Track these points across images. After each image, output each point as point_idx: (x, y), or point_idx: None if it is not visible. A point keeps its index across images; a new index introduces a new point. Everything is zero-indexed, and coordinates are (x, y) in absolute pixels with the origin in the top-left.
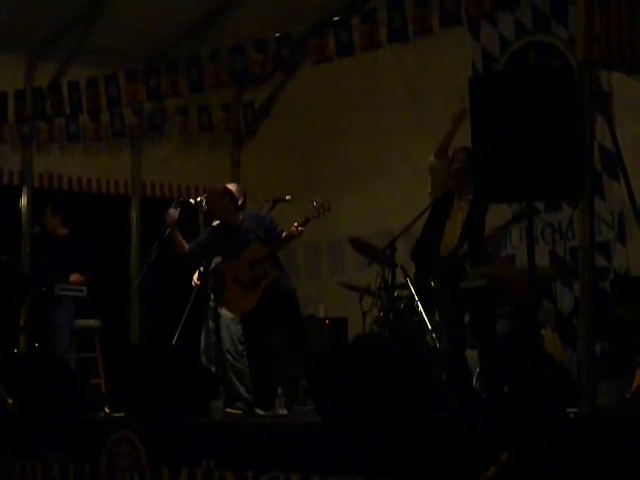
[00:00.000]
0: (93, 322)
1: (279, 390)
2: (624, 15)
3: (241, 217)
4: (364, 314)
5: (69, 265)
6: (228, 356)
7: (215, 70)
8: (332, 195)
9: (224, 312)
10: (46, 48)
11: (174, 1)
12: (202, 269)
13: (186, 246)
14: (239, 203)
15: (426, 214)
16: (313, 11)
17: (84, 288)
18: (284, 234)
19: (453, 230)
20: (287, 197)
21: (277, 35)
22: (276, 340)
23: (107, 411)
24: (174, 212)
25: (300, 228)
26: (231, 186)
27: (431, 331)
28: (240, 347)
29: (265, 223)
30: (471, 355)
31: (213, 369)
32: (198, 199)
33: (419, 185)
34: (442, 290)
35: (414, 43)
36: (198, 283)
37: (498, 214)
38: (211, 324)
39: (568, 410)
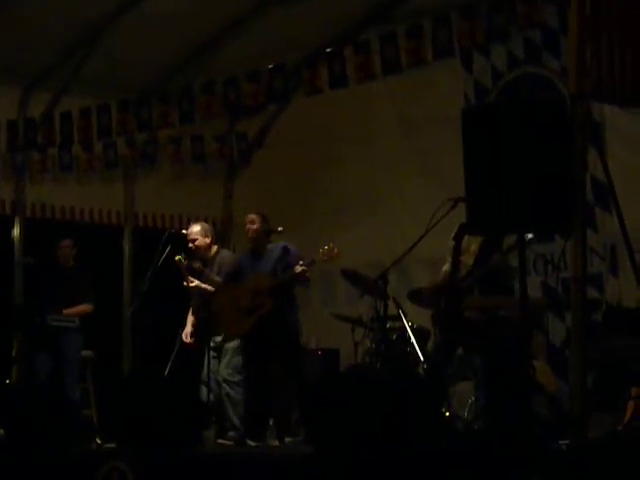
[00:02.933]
0: (85, 352)
1: (270, 421)
2: (615, 47)
3: (269, 246)
4: (356, 345)
5: (74, 295)
6: (224, 385)
7: (206, 101)
8: (324, 226)
9: (230, 343)
10: (40, 79)
11: (167, 33)
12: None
13: (218, 279)
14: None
15: (418, 245)
16: (306, 43)
17: (76, 319)
18: (291, 273)
19: (467, 262)
20: (279, 229)
21: (270, 66)
22: (270, 371)
23: (99, 442)
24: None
25: (302, 268)
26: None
27: (423, 362)
28: (237, 377)
29: (287, 257)
30: (465, 386)
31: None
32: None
33: (411, 216)
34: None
35: (407, 74)
36: (190, 341)
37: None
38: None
39: (560, 442)
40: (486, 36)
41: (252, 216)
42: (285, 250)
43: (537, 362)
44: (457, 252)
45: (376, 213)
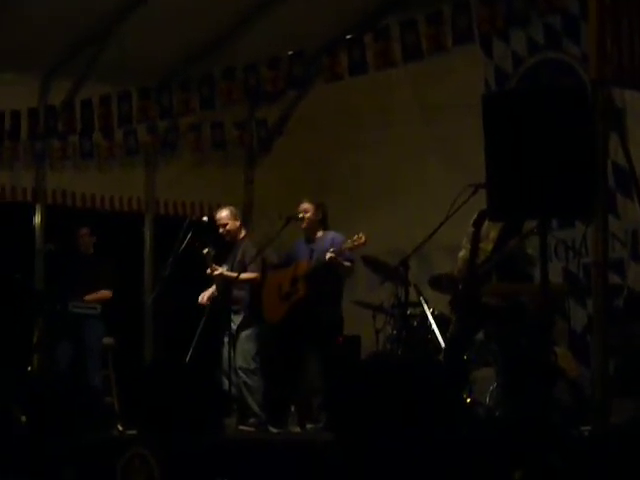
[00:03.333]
0: (107, 340)
1: (292, 408)
2: (636, 33)
3: (319, 234)
4: (377, 332)
5: (95, 282)
6: (240, 373)
7: (227, 88)
8: (344, 212)
9: (244, 332)
10: (60, 67)
11: (187, 20)
12: (217, 294)
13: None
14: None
15: (439, 231)
16: (326, 29)
17: (98, 306)
18: (321, 260)
19: (486, 249)
20: (299, 215)
21: (290, 53)
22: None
23: (120, 429)
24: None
25: (330, 255)
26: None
27: (443, 349)
28: (253, 365)
29: (332, 246)
30: (486, 372)
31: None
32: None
33: (431, 203)
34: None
35: (427, 61)
36: (205, 302)
37: None
38: (226, 340)
39: (582, 428)
40: (506, 21)
41: (306, 205)
42: (333, 240)
43: (558, 348)
44: (476, 239)
45: (396, 200)
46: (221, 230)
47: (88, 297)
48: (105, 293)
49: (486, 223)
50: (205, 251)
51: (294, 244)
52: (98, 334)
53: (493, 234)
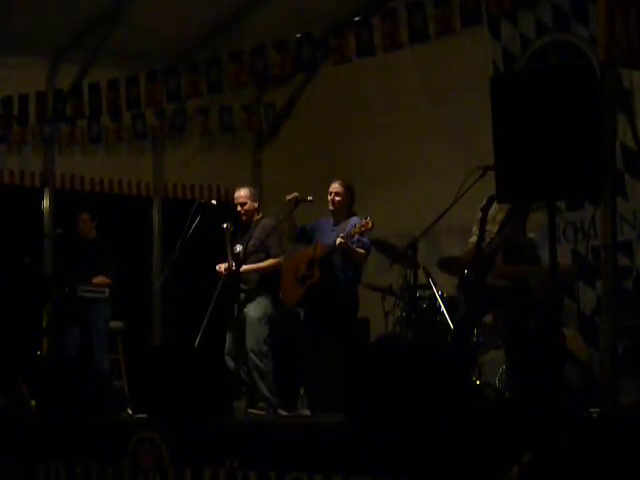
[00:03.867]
0: (116, 323)
1: (302, 391)
2: None
3: (345, 218)
4: (386, 315)
5: (95, 267)
6: (252, 355)
7: (235, 71)
8: None
9: (250, 312)
10: (67, 51)
11: (194, 3)
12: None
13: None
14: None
15: (447, 213)
16: (334, 12)
17: (106, 289)
18: (331, 245)
19: (492, 230)
20: (309, 198)
21: (298, 36)
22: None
23: (130, 412)
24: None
25: (340, 240)
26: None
27: (452, 331)
28: (264, 347)
29: (347, 229)
30: (495, 354)
31: (235, 369)
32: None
33: (439, 185)
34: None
35: (434, 43)
36: (223, 271)
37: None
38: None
39: (591, 409)
40: (514, 3)
41: (335, 185)
42: (354, 226)
43: (567, 330)
44: (483, 223)
45: (404, 182)
46: (238, 209)
47: (89, 281)
48: (103, 279)
49: (494, 206)
50: (225, 225)
51: (319, 222)
52: (105, 318)
53: (500, 216)
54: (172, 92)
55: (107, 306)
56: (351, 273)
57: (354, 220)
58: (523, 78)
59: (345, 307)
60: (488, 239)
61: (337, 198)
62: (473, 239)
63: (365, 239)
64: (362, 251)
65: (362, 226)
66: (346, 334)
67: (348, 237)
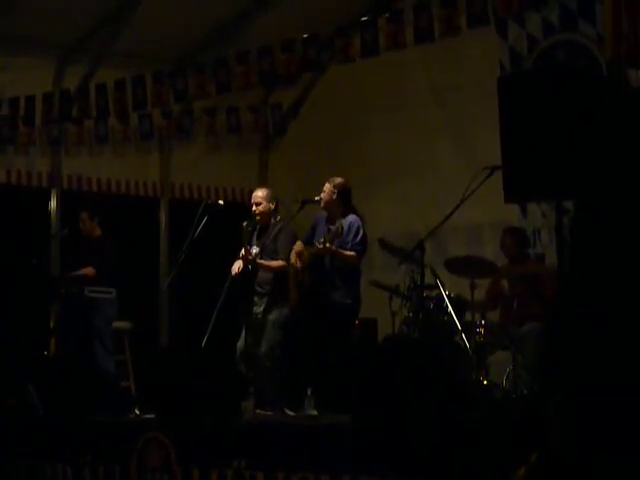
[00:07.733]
0: (123, 324)
1: (309, 391)
2: None
3: (340, 215)
4: (393, 315)
5: (94, 265)
6: (265, 358)
7: (242, 71)
8: (359, 195)
9: (271, 316)
10: (74, 52)
11: (201, 4)
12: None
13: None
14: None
15: (454, 214)
16: (340, 12)
17: (113, 290)
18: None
19: None
20: (316, 198)
21: (304, 36)
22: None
23: (137, 413)
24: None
25: (320, 246)
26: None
27: (460, 331)
28: (278, 352)
29: (349, 230)
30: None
31: (244, 370)
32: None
33: (445, 185)
34: None
35: (441, 43)
36: (237, 272)
37: None
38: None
39: None
40: (521, 3)
41: (327, 185)
42: (350, 225)
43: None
44: None
45: (410, 182)
46: (254, 208)
47: (71, 274)
48: (87, 270)
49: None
50: (244, 223)
51: (317, 218)
52: (108, 318)
53: None
54: (179, 93)
55: (111, 306)
56: (347, 273)
57: (350, 219)
58: (530, 78)
59: (344, 307)
60: None
61: (326, 197)
62: None
63: (357, 239)
64: (351, 253)
65: (333, 234)
66: (346, 334)
67: (324, 243)
